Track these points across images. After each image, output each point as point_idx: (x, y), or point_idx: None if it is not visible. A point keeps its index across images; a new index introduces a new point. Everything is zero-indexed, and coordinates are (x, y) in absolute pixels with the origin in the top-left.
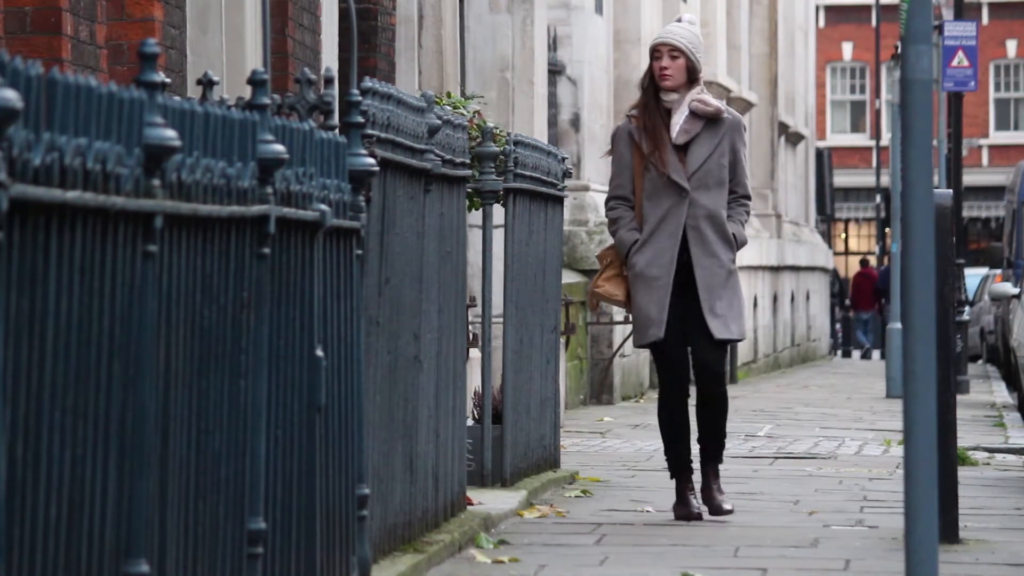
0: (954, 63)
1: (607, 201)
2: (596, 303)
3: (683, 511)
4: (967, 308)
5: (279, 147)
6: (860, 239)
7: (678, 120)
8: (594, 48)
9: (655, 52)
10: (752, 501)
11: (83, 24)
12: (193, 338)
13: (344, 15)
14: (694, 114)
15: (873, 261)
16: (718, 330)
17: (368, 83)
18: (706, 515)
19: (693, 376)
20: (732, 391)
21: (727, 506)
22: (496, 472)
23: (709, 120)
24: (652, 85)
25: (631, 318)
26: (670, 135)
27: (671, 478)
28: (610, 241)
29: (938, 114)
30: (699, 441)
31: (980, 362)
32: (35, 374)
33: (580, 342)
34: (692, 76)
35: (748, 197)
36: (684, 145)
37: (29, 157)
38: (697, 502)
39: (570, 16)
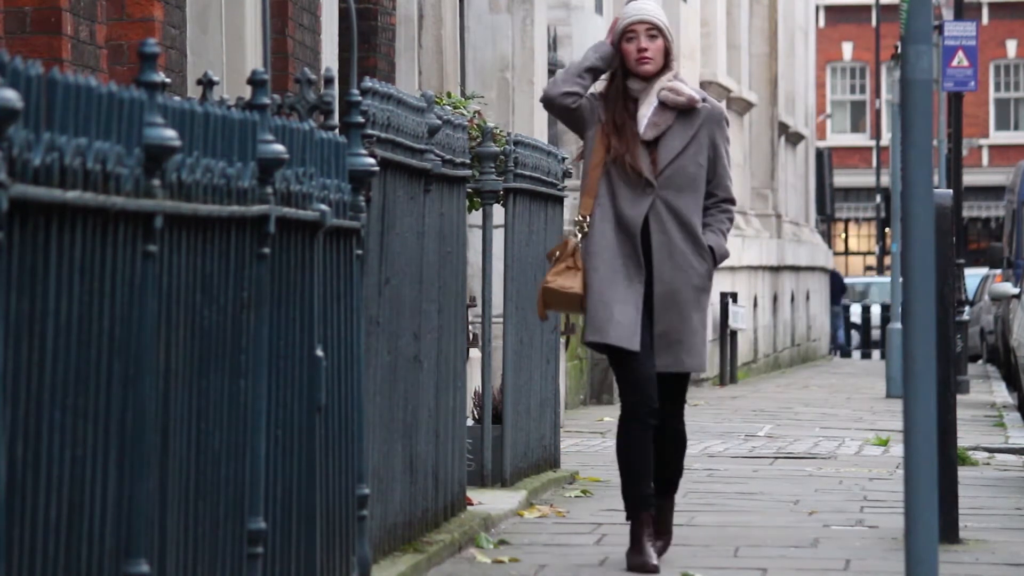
0: (954, 63)
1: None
2: (545, 310)
3: (638, 561)
4: (967, 308)
5: (279, 147)
6: (860, 239)
7: (646, 112)
8: None
9: (629, 33)
10: (752, 501)
11: (83, 24)
12: (193, 338)
13: (344, 15)
14: (664, 105)
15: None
16: (663, 362)
17: (368, 83)
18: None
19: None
20: (732, 391)
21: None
22: (496, 472)
23: (683, 111)
24: (621, 71)
25: (587, 311)
26: (636, 130)
27: (627, 519)
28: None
29: (938, 114)
30: (654, 480)
31: (980, 362)
32: (35, 374)
33: (580, 342)
34: (667, 60)
35: (731, 201)
36: (654, 140)
37: (29, 157)
38: (655, 551)
39: (570, 16)
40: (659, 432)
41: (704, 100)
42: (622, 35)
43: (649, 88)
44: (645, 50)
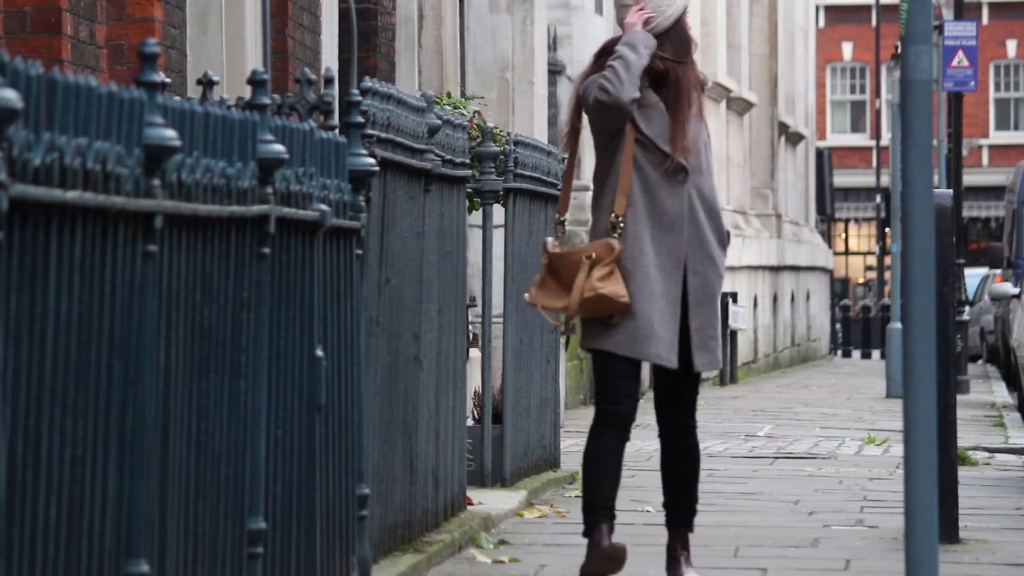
0: (954, 63)
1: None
2: (571, 327)
3: (596, 553)
4: (967, 308)
5: (279, 147)
6: (860, 239)
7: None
8: (594, 48)
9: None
10: (752, 501)
11: (83, 24)
12: (193, 338)
13: (344, 15)
14: None
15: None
16: (701, 361)
17: (368, 83)
18: None
19: (660, 420)
20: (732, 391)
21: None
22: (496, 472)
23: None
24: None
25: (623, 323)
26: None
27: (585, 535)
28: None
29: (938, 114)
30: (665, 506)
31: (980, 362)
32: (35, 374)
33: (579, 346)
34: None
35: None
36: None
37: (29, 157)
38: (618, 542)
39: (570, 16)
40: (672, 448)
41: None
42: (678, 20)
43: None
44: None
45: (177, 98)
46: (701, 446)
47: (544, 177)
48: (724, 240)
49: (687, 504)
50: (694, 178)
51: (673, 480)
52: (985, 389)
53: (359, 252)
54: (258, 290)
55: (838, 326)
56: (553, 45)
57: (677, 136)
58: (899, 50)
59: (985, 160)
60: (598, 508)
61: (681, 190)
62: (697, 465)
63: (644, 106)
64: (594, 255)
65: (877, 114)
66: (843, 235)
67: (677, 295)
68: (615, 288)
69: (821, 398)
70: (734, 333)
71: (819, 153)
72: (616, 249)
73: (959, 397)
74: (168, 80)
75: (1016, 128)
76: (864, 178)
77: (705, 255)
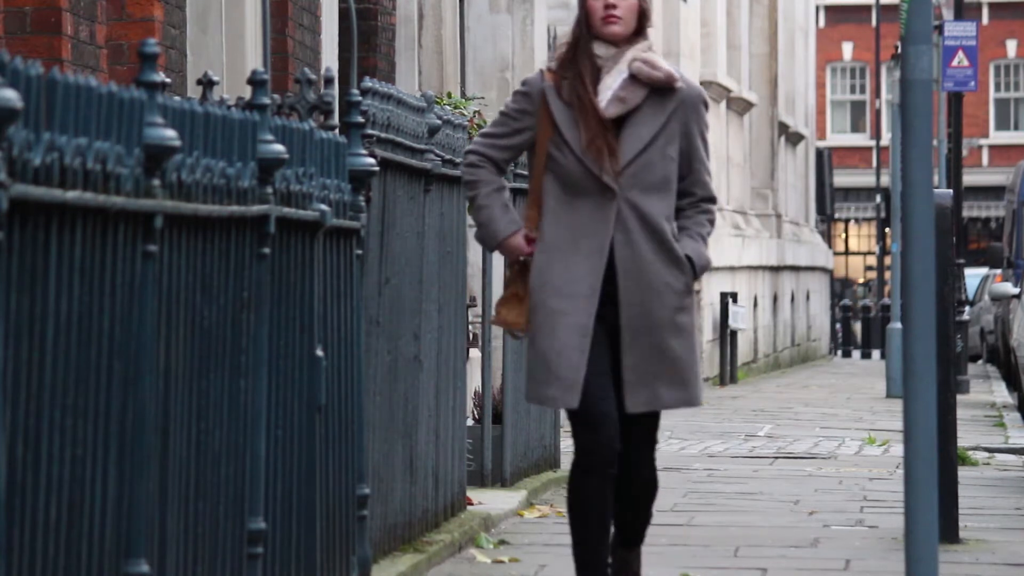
0: (954, 63)
1: (468, 152)
2: (515, 334)
3: None
4: (967, 308)
5: (279, 147)
6: (860, 239)
7: (611, 83)
8: None
9: None
10: (752, 501)
11: (83, 24)
12: (193, 338)
13: (344, 15)
14: (635, 78)
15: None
16: (635, 401)
17: (368, 83)
18: None
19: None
20: (732, 391)
21: None
22: (496, 472)
23: (655, 90)
24: (586, 33)
25: (526, 362)
26: (598, 110)
27: None
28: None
29: (938, 114)
30: (615, 525)
31: (980, 362)
32: (35, 374)
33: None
34: (641, 25)
35: (711, 200)
36: (616, 121)
37: (29, 157)
38: None
39: (570, 16)
40: (624, 482)
41: (681, 79)
42: None
43: (618, 56)
44: (613, 7)
45: (177, 98)
46: (701, 446)
47: None
48: (682, 266)
49: (638, 528)
50: (630, 195)
51: (624, 510)
52: (985, 389)
53: (359, 252)
54: (258, 290)
55: (838, 326)
56: (553, 45)
57: (592, 143)
58: (899, 50)
59: (985, 160)
60: (591, 570)
61: (607, 207)
62: (650, 496)
63: (582, 101)
64: (506, 275)
65: (877, 114)
66: (843, 235)
67: (588, 327)
68: (509, 316)
69: (821, 398)
70: (734, 333)
71: (819, 153)
72: (515, 267)
73: (959, 397)
74: (168, 80)
75: (1016, 128)
76: (864, 178)
77: (644, 284)
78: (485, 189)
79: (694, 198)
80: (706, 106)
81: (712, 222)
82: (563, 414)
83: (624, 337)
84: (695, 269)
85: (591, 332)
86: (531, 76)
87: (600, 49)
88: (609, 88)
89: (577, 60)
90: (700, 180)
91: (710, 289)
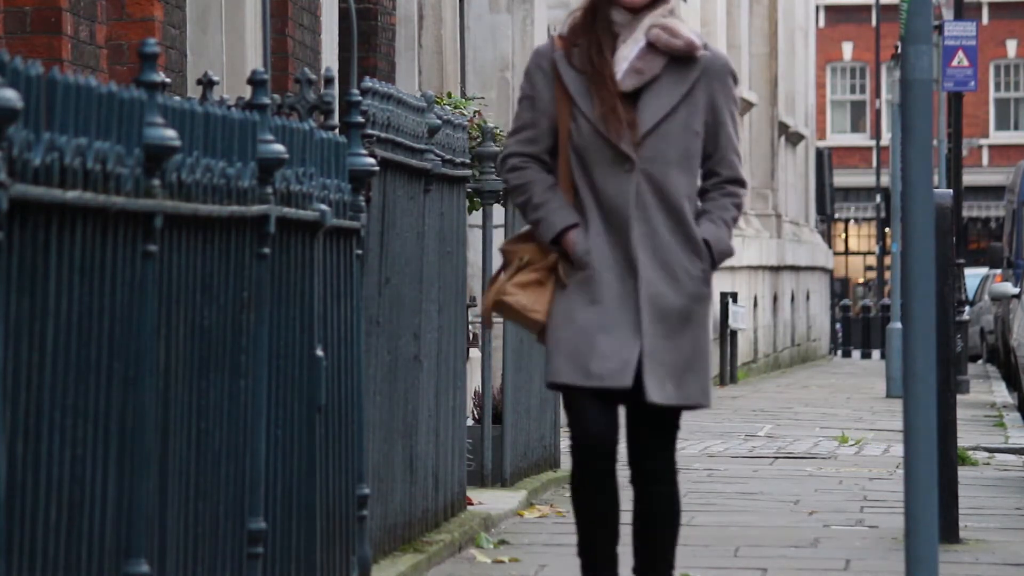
0: (954, 63)
1: (506, 157)
2: (491, 320)
3: None
4: (967, 308)
5: (279, 147)
6: (860, 239)
7: (628, 54)
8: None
9: None
10: (752, 501)
11: (83, 24)
12: (193, 338)
13: (344, 15)
14: (653, 47)
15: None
16: (658, 392)
17: (368, 83)
18: None
19: (629, 462)
20: (732, 391)
21: None
22: (496, 472)
23: (675, 59)
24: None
25: (553, 344)
26: (612, 75)
27: None
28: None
29: (938, 114)
30: (634, 571)
31: (980, 362)
32: (35, 374)
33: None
34: None
35: (739, 182)
36: (634, 93)
37: (29, 157)
38: None
39: None
40: (642, 498)
41: (705, 47)
42: None
43: (635, 24)
44: None
45: (177, 98)
46: (701, 446)
47: None
48: (701, 250)
49: (662, 556)
50: (648, 168)
51: (640, 538)
52: (985, 389)
53: (359, 252)
54: (258, 290)
55: (838, 326)
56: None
57: (608, 114)
58: (899, 50)
59: (985, 160)
60: (603, 560)
61: (625, 181)
62: (674, 518)
63: (598, 69)
64: (526, 258)
65: (877, 114)
66: (843, 235)
67: (631, 304)
68: (525, 301)
69: (821, 398)
70: (734, 333)
71: (819, 153)
72: (550, 256)
73: (959, 397)
74: (168, 80)
75: (1016, 128)
76: (864, 178)
77: (659, 263)
78: (539, 187)
79: (719, 178)
80: (735, 79)
81: (739, 207)
82: (563, 415)
83: (644, 320)
84: (713, 255)
85: (635, 305)
86: (541, 45)
87: (618, 16)
88: (625, 59)
89: (595, 26)
90: (727, 159)
91: None
